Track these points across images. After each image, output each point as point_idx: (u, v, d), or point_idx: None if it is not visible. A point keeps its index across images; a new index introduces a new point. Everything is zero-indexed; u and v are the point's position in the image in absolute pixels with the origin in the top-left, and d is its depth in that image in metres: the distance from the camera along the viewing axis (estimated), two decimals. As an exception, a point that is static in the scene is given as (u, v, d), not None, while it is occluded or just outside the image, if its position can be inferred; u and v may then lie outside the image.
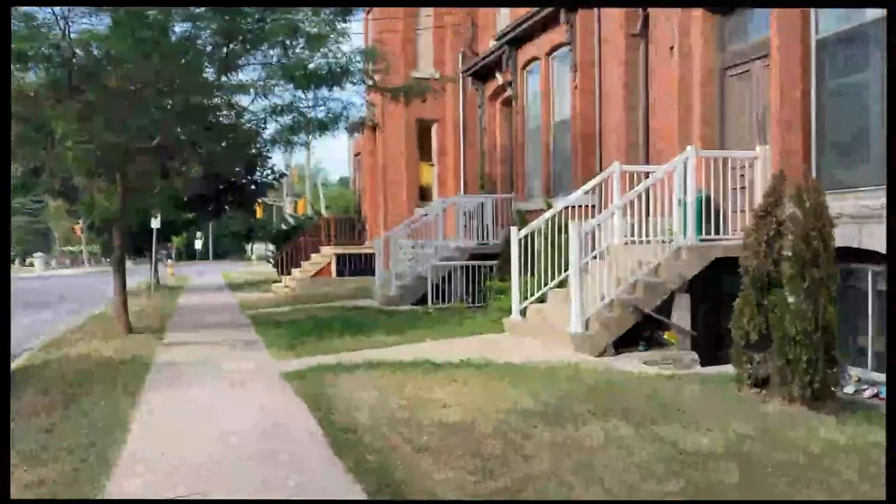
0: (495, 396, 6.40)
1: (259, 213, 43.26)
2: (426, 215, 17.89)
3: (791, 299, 6.15)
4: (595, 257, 10.01)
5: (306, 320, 13.07)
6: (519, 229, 12.63)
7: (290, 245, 22.17)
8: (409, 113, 20.93)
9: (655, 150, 11.57)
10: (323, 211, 40.39)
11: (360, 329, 11.41)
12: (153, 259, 22.61)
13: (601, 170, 12.14)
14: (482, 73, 18.41)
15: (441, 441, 5.15)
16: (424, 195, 21.69)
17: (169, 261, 38.15)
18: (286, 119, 11.72)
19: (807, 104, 8.21)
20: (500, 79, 17.44)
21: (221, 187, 22.81)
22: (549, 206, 11.19)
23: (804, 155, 8.19)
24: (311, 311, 14.67)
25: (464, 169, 20.60)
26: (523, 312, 10.27)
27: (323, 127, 12.35)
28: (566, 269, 10.32)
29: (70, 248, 70.98)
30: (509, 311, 10.73)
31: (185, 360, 9.11)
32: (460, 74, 20.12)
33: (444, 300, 15.16)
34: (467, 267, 15.41)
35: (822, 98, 8.22)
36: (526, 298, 10.31)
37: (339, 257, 21.28)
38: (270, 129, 13.35)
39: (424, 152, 21.54)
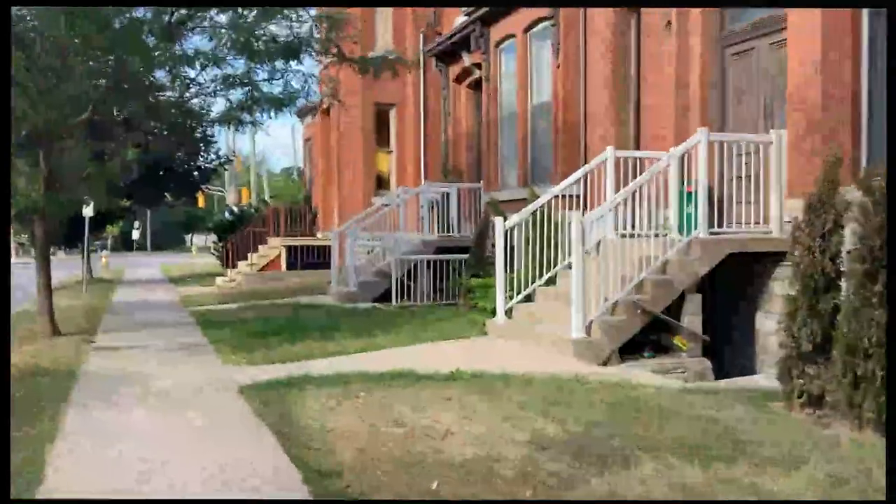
0: (506, 420, 5.27)
1: (201, 202, 41.34)
2: (387, 205, 16.67)
3: (858, 303, 5.18)
4: (587, 252, 9.03)
5: (258, 319, 11.74)
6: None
7: (236, 236, 20.65)
8: (366, 96, 19.64)
9: (647, 134, 10.61)
10: (267, 200, 38.67)
11: (322, 330, 10.15)
12: (85, 250, 20.81)
13: (586, 157, 11.16)
14: (447, 54, 17.23)
15: (458, 488, 4.00)
16: (381, 184, 20.42)
17: (104, 252, 35.90)
18: (238, 93, 10.37)
19: (857, 78, 7.26)
20: (467, 60, 16.31)
21: (161, 172, 21.12)
22: (534, 196, 10.10)
23: (853, 138, 7.25)
24: (261, 309, 13.32)
25: (424, 157, 19.40)
26: (509, 313, 9.16)
27: (279, 104, 11.03)
28: (555, 265, 9.31)
29: (-3, 237, 67.37)
30: (490, 312, 9.63)
31: (119, 370, 7.73)
32: (422, 55, 18.91)
33: (408, 297, 13.98)
34: (433, 261, 14.23)
35: (874, 70, 7.24)
36: (511, 297, 9.21)
37: (290, 249, 19.88)
38: (219, 105, 11.98)
39: (382, 138, 20.25)
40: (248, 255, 20.27)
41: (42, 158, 10.16)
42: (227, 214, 25.07)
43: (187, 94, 10.44)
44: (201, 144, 22.18)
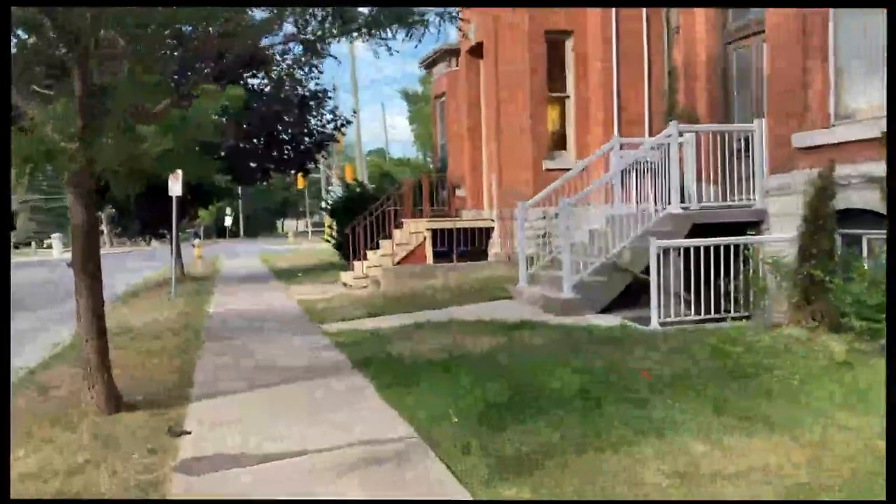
0: None
1: (300, 183, 37.00)
2: (606, 172, 11.39)
3: None
4: None
5: (462, 360, 6.69)
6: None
7: (363, 219, 15.67)
8: (533, 24, 14.37)
9: None
10: (363, 181, 33.84)
11: (622, 395, 5.02)
12: (174, 242, 16.26)
13: None
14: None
15: None
16: (554, 142, 15.03)
17: (196, 240, 31.65)
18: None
19: None
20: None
21: (263, 138, 16.38)
22: None
23: None
24: (444, 332, 8.30)
25: (618, 98, 13.99)
26: None
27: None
28: None
29: (91, 227, 65.09)
30: None
31: None
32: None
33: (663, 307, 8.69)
34: (687, 250, 8.88)
35: None
36: None
37: (435, 234, 14.79)
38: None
39: (554, 80, 14.88)
40: (380, 242, 15.30)
41: (77, 76, 5.26)
42: (342, 192, 20.21)
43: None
44: (312, 103, 17.35)
